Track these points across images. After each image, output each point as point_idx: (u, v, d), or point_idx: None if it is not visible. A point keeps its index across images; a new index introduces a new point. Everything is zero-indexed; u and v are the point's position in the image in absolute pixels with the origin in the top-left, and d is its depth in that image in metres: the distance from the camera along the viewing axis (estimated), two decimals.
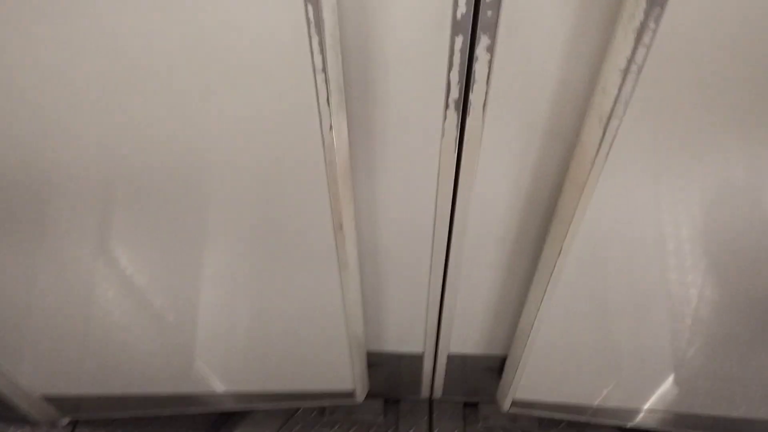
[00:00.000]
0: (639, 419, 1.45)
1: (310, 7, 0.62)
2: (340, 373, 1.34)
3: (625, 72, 0.66)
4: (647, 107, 0.73)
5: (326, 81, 0.68)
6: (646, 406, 1.40)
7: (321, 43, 0.64)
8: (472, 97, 0.74)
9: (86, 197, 0.89)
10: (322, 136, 0.75)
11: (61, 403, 1.46)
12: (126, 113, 0.75)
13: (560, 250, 0.92)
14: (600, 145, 0.74)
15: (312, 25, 0.63)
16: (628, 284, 1.05)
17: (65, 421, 1.56)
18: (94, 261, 1.02)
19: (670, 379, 1.31)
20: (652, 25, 0.61)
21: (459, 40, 0.68)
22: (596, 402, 1.40)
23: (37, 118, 0.76)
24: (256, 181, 0.86)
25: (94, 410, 1.50)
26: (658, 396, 1.36)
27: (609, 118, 0.71)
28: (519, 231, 0.99)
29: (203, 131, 0.78)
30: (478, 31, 0.68)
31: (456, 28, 0.68)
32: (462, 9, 0.67)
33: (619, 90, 0.68)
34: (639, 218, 0.90)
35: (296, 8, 0.63)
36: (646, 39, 0.62)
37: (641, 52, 0.64)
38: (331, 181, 0.82)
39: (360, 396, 1.45)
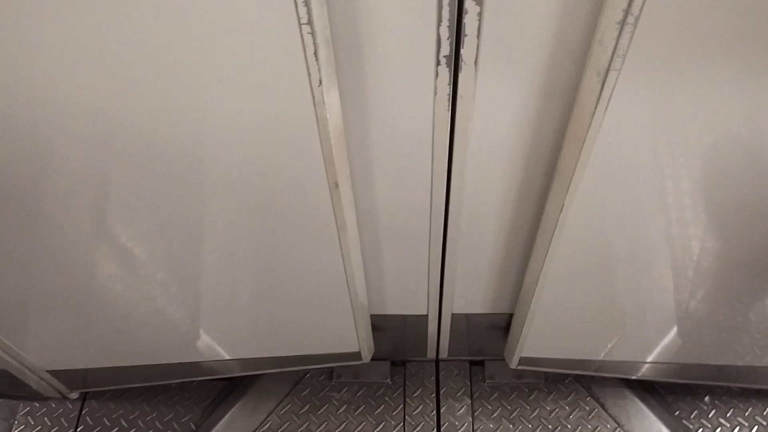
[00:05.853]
0: (644, 371, 1.46)
1: None
2: (346, 336, 1.35)
3: (622, 24, 0.65)
4: (645, 59, 0.71)
5: (312, 33, 0.66)
6: (651, 358, 1.41)
7: None
8: (463, 52, 0.72)
9: (86, 169, 0.88)
10: (312, 92, 0.73)
11: (68, 377, 1.47)
12: (118, 77, 0.74)
13: (562, 206, 0.91)
14: (599, 98, 0.73)
15: None
16: (630, 238, 1.04)
17: (75, 394, 1.58)
18: (95, 234, 1.02)
19: (674, 331, 1.31)
20: None
21: None
22: (601, 356, 1.41)
23: (36, 86, 0.74)
24: (251, 142, 0.85)
25: (102, 383, 1.52)
26: (662, 348, 1.37)
27: (607, 71, 0.70)
28: (519, 188, 0.97)
29: (194, 93, 0.76)
30: None
31: None
32: None
33: (616, 42, 0.66)
34: (640, 171, 0.89)
35: None
36: None
37: (637, 3, 0.62)
38: (323, 138, 0.80)
39: (366, 357, 1.46)
